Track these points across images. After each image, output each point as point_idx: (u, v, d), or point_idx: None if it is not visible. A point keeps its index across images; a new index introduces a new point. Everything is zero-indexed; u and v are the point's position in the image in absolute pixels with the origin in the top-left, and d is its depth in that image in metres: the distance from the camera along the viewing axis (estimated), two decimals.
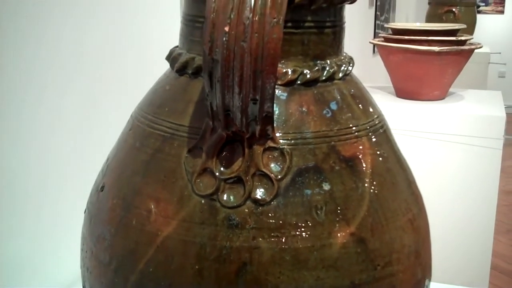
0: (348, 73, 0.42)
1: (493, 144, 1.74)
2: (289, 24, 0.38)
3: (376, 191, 0.38)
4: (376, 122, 0.42)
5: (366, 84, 2.14)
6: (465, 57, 1.88)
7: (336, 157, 0.38)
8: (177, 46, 0.43)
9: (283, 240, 0.35)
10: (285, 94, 0.38)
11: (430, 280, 0.44)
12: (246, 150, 0.36)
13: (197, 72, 0.39)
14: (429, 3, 3.67)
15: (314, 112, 0.38)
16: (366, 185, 0.38)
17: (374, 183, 0.39)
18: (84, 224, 0.43)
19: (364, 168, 0.39)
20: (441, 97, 1.93)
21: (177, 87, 0.40)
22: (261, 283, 0.35)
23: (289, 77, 0.38)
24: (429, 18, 3.54)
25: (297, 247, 0.35)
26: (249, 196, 0.36)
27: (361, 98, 0.42)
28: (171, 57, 0.42)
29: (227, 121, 0.35)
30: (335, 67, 0.40)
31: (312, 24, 0.39)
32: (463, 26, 1.92)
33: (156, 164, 0.38)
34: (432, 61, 1.80)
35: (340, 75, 0.41)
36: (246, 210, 0.35)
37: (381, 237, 0.38)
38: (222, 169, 0.36)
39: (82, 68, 0.70)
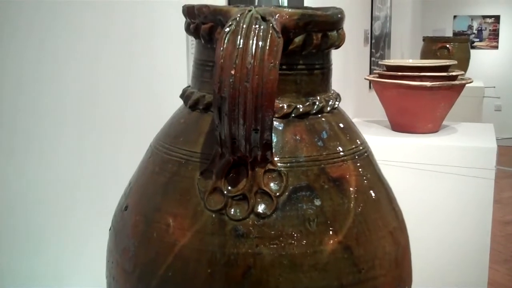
0: (336, 107, 0.50)
1: (486, 174, 1.80)
2: (284, 67, 0.45)
3: (360, 206, 0.45)
4: (360, 148, 0.49)
5: (363, 119, 2.22)
6: (457, 92, 1.96)
7: (326, 177, 0.45)
8: (189, 86, 0.51)
9: (282, 247, 0.42)
10: (282, 125, 0.46)
11: None
12: (250, 172, 0.43)
13: (207, 108, 0.47)
14: (423, 40, 3.78)
15: (306, 140, 0.46)
16: (351, 201, 0.45)
17: (358, 199, 0.45)
18: (109, 239, 0.50)
19: (349, 187, 0.45)
20: (434, 130, 2.00)
21: (190, 121, 0.48)
22: (264, 284, 0.42)
23: (285, 111, 0.46)
24: (424, 54, 3.65)
25: (293, 253, 0.42)
26: (253, 211, 0.43)
27: (346, 128, 0.49)
28: (185, 95, 0.49)
29: (233, 148, 0.42)
30: (324, 102, 0.48)
31: (303, 67, 0.47)
32: (454, 62, 2.01)
33: (173, 185, 0.45)
34: (425, 96, 1.88)
35: (328, 109, 0.48)
36: (250, 222, 0.42)
37: (365, 245, 0.44)
38: (229, 188, 0.43)
39: (101, 106, 0.77)
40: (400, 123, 2.01)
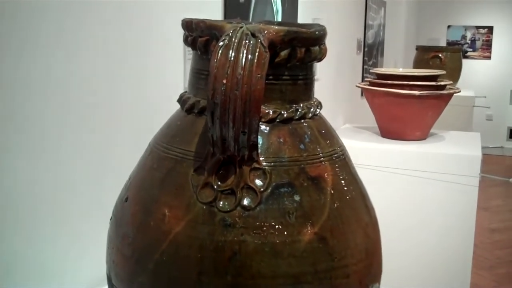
0: (317, 114, 0.55)
1: (470, 181, 1.87)
2: (271, 77, 0.51)
3: (335, 203, 0.51)
4: (338, 151, 0.54)
5: (354, 125, 2.28)
6: (445, 101, 2.02)
7: (305, 176, 0.50)
8: (185, 92, 0.56)
9: (264, 236, 0.48)
10: (268, 129, 0.51)
11: (379, 284, 0.57)
12: (237, 170, 0.49)
13: (201, 112, 0.52)
14: (416, 49, 3.85)
15: (289, 142, 0.51)
16: (327, 197, 0.51)
17: (334, 196, 0.51)
18: (110, 228, 0.55)
19: (326, 185, 0.51)
20: (422, 137, 2.07)
21: (186, 123, 0.53)
22: (247, 268, 0.47)
23: (271, 116, 0.51)
24: (416, 63, 3.71)
25: (274, 241, 0.48)
26: (239, 204, 0.48)
27: (326, 133, 0.55)
28: (182, 100, 0.55)
29: (223, 148, 0.48)
30: (306, 109, 0.53)
31: (288, 77, 0.52)
32: (443, 72, 2.07)
33: (169, 180, 0.51)
34: (413, 104, 1.94)
35: (310, 115, 0.54)
36: (237, 214, 0.48)
37: (338, 237, 0.50)
38: (219, 183, 0.49)
39: (106, 109, 0.83)
40: (389, 130, 2.08)
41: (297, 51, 0.51)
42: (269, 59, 0.49)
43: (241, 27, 0.48)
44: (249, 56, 0.46)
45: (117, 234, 0.54)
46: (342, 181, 0.53)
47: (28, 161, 0.71)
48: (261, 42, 0.47)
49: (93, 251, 0.78)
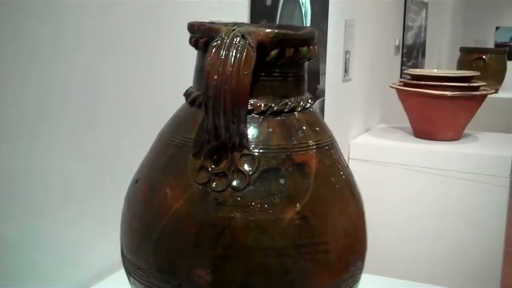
0: (307, 107, 0.62)
1: (501, 182, 1.88)
2: (263, 74, 0.58)
3: (318, 187, 0.57)
4: (323, 141, 0.60)
5: (388, 125, 2.32)
6: (478, 102, 2.04)
7: (291, 162, 0.57)
8: (191, 87, 0.63)
9: (251, 213, 0.54)
10: (259, 120, 0.58)
11: (363, 262, 0.62)
12: (229, 155, 0.56)
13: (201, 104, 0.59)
14: (460, 50, 3.83)
15: (278, 132, 0.58)
16: (311, 182, 0.57)
17: (317, 181, 0.57)
18: (123, 206, 0.63)
19: (310, 171, 0.57)
20: (455, 138, 2.09)
21: (189, 114, 0.61)
22: (236, 241, 0.54)
23: (262, 109, 0.58)
24: (460, 65, 3.69)
25: (259, 218, 0.54)
26: (230, 185, 0.55)
27: (314, 124, 0.61)
28: (186, 94, 0.62)
29: (216, 136, 0.55)
30: (296, 103, 0.60)
31: (278, 74, 0.59)
32: (476, 73, 2.08)
33: (172, 164, 0.58)
34: (445, 105, 1.97)
35: (299, 108, 0.60)
36: (227, 194, 0.55)
37: (319, 216, 0.56)
38: (213, 166, 0.56)
39: (126, 103, 0.91)
40: (422, 130, 2.11)
41: (286, 51, 0.57)
42: (261, 58, 0.56)
43: (234, 30, 0.55)
44: (238, 55, 0.53)
45: (128, 211, 0.61)
46: (326, 168, 0.59)
47: (61, 147, 0.80)
48: (249, 43, 0.54)
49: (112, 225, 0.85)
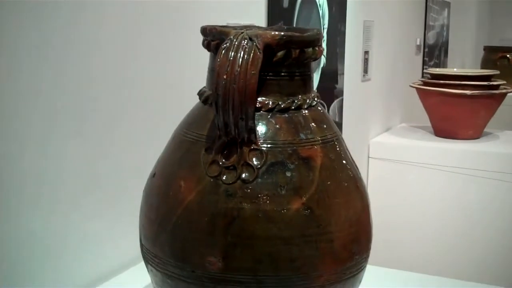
0: (314, 105, 0.65)
1: None
2: (270, 74, 0.61)
3: (322, 179, 0.61)
4: (328, 137, 0.64)
5: (410, 124, 2.34)
6: (498, 101, 2.04)
7: (297, 156, 0.60)
8: (204, 86, 0.67)
9: (259, 204, 0.58)
10: (267, 117, 0.61)
11: (367, 255, 0.65)
12: (239, 150, 0.59)
13: None
14: (484, 49, 3.81)
15: (285, 128, 0.61)
16: (316, 175, 0.60)
17: (322, 174, 0.61)
18: (142, 198, 0.67)
19: (315, 165, 0.61)
20: (475, 136, 2.09)
21: (202, 112, 0.65)
22: (245, 230, 0.58)
23: (269, 106, 0.62)
24: (484, 64, 3.68)
25: (267, 209, 0.58)
26: (239, 177, 0.59)
27: (320, 121, 0.64)
28: (200, 93, 0.66)
29: (226, 132, 0.58)
30: (302, 101, 0.63)
31: (285, 74, 0.62)
32: (496, 72, 2.09)
33: (186, 158, 0.62)
34: (465, 103, 1.98)
35: (306, 106, 0.64)
36: (237, 186, 0.58)
37: (324, 208, 0.60)
38: (223, 160, 0.59)
39: (146, 102, 0.96)
40: (442, 129, 2.12)
41: (292, 52, 0.61)
42: (268, 59, 0.60)
43: (242, 33, 0.58)
44: (245, 56, 0.57)
45: (146, 203, 0.66)
46: (331, 162, 0.62)
47: (83, 146, 0.84)
48: (256, 45, 0.57)
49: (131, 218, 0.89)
